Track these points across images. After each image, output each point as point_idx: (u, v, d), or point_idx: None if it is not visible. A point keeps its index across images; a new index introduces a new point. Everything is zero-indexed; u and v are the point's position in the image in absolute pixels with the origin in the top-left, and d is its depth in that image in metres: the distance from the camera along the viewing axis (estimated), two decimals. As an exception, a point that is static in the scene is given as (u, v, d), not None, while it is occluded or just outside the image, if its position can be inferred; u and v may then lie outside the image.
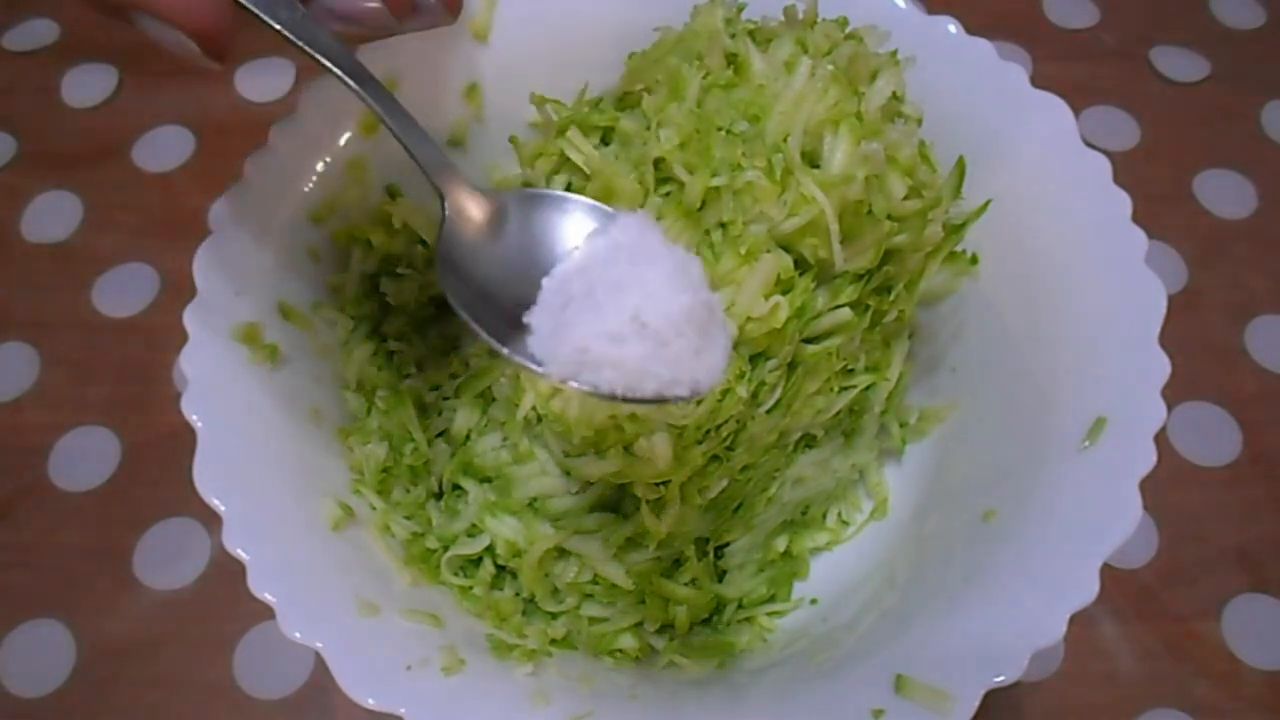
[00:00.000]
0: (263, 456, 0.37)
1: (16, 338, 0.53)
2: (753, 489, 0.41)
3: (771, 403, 0.37)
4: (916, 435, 0.45)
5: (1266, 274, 0.55)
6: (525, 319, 0.31)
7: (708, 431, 0.36)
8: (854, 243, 0.36)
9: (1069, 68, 0.62)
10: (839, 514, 0.45)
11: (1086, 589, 0.33)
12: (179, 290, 0.39)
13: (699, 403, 0.35)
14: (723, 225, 0.36)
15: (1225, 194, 0.57)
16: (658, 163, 0.36)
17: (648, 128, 0.37)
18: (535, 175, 0.43)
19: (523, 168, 0.46)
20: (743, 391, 0.35)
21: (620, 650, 0.41)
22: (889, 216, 0.37)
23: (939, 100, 0.44)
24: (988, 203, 0.41)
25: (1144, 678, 0.44)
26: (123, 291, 0.54)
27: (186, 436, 0.35)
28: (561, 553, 0.40)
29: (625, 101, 0.42)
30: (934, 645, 0.34)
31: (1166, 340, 0.36)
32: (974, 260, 0.43)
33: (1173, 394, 0.35)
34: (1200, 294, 0.54)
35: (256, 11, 0.32)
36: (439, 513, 0.42)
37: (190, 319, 0.38)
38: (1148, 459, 0.34)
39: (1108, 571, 0.33)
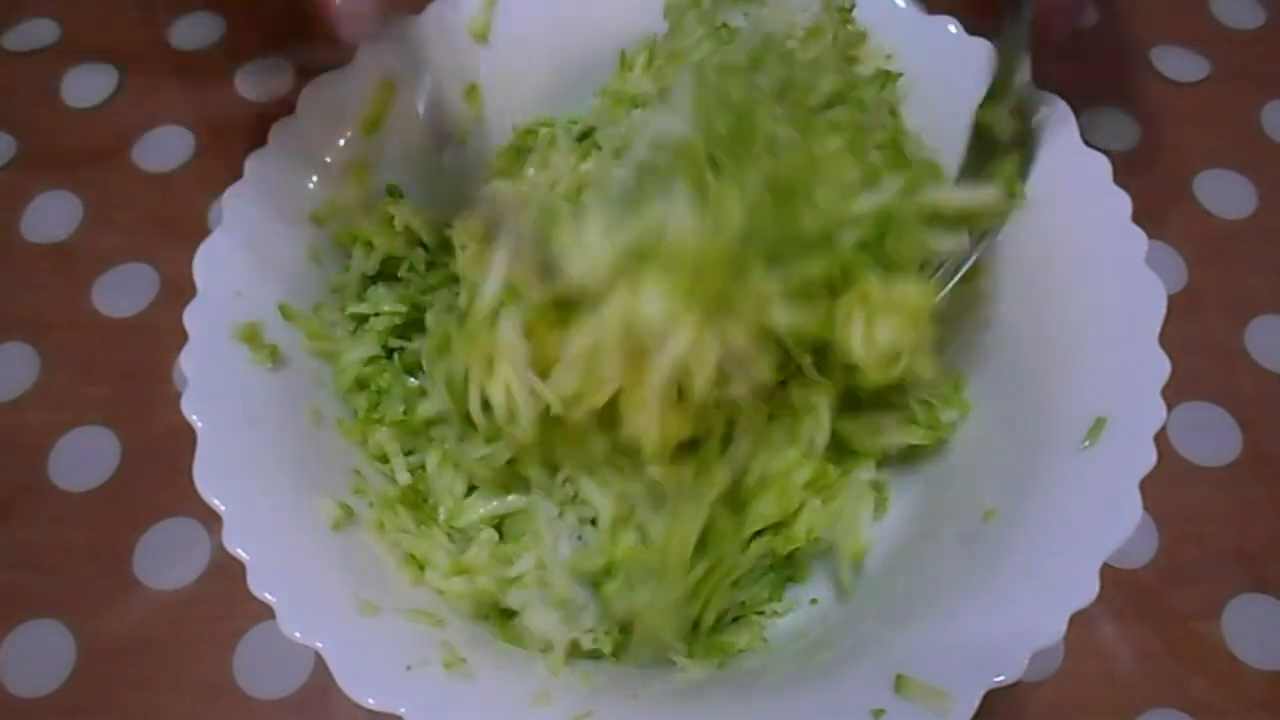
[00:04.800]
0: (263, 456, 0.37)
1: (16, 338, 0.53)
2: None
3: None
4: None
5: (1266, 274, 0.55)
6: None
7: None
8: None
9: (1069, 68, 0.62)
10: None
11: (1086, 589, 0.33)
12: (179, 290, 0.38)
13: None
14: None
15: (1225, 194, 0.57)
16: None
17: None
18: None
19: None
20: None
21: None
22: None
23: (939, 100, 0.44)
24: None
25: (1144, 678, 0.44)
26: (123, 291, 0.54)
27: (186, 436, 0.35)
28: None
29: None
30: (934, 645, 0.34)
31: (1166, 340, 0.36)
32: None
33: (1173, 394, 0.35)
34: (1200, 294, 0.54)
35: None
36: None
37: (190, 319, 0.38)
38: (1148, 459, 0.34)
39: (1108, 571, 0.33)
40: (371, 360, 0.44)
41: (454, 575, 0.39)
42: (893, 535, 0.43)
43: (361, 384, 0.44)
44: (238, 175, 0.41)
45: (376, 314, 0.44)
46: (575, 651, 0.39)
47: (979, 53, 0.43)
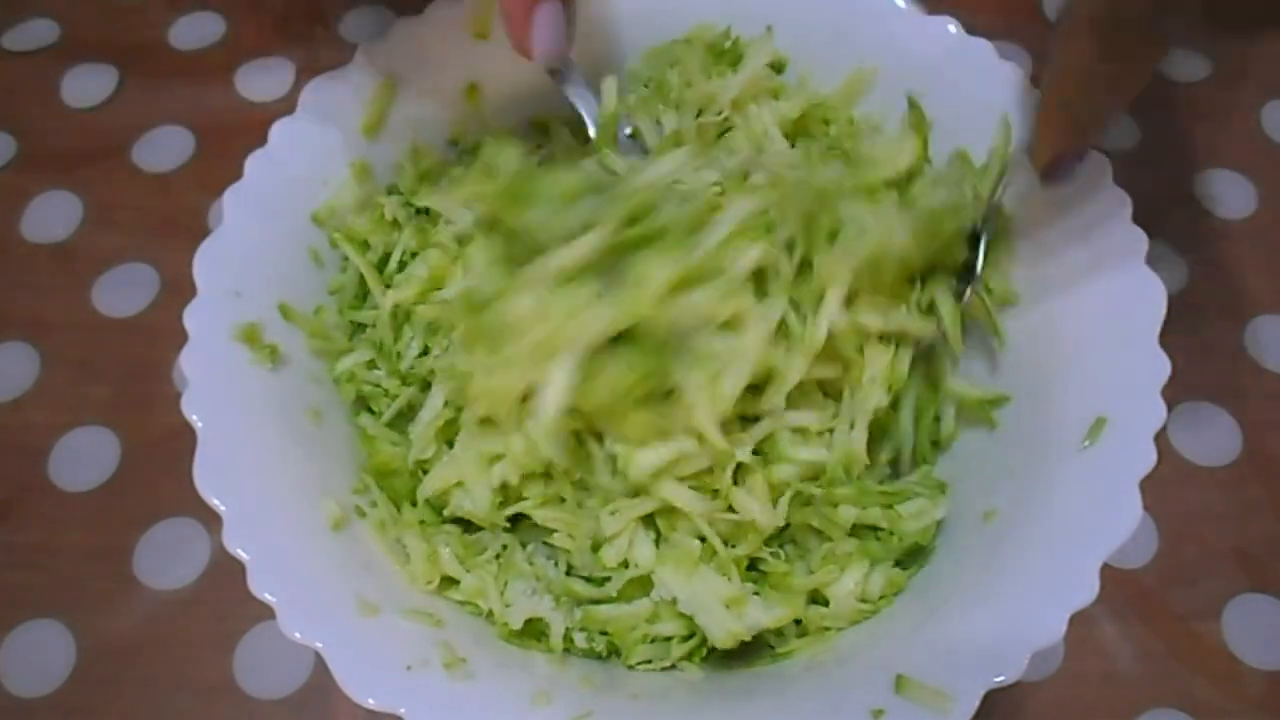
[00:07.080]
0: (263, 456, 0.37)
1: (16, 338, 0.53)
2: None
3: None
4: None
5: (1266, 274, 0.55)
6: None
7: None
8: None
9: (1069, 68, 0.61)
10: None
11: (1086, 589, 0.33)
12: (179, 290, 0.38)
13: None
14: None
15: (1225, 194, 0.57)
16: None
17: None
18: None
19: None
20: None
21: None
22: None
23: (939, 100, 0.44)
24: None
25: (1144, 678, 0.44)
26: (123, 291, 0.54)
27: (186, 436, 0.35)
28: None
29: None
30: (934, 645, 0.34)
31: (1166, 340, 0.36)
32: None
33: (1173, 394, 0.35)
34: (1200, 294, 0.54)
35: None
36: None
37: (190, 319, 0.38)
38: (1148, 459, 0.34)
39: (1108, 571, 0.33)
40: (368, 365, 0.44)
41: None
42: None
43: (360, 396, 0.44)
44: (238, 175, 0.41)
45: (374, 324, 0.44)
46: (571, 647, 0.39)
47: (979, 54, 0.43)
